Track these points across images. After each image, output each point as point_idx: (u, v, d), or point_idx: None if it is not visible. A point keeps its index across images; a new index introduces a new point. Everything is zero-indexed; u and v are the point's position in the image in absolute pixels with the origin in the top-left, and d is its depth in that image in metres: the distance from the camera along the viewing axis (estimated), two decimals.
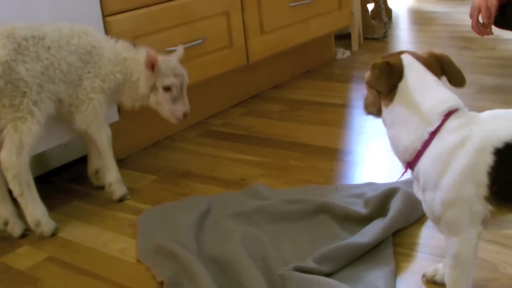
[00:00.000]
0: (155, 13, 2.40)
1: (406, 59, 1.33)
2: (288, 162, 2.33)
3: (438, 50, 1.37)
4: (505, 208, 1.24)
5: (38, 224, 1.92)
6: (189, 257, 1.66)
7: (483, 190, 1.23)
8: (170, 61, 2.09)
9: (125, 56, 2.06)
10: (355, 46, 3.95)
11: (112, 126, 2.13)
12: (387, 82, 1.30)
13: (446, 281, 1.35)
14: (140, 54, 2.07)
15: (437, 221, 1.30)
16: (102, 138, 2.07)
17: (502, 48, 3.62)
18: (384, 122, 1.37)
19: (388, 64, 1.29)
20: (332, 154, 2.36)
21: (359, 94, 3.07)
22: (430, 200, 1.28)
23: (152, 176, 2.32)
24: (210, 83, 2.84)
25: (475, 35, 2.95)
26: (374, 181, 2.05)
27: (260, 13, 2.97)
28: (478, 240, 1.29)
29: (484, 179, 1.22)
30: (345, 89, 3.19)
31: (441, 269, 1.51)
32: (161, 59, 2.06)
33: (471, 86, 2.94)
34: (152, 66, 2.02)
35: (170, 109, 2.09)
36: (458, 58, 3.44)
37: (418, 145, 1.28)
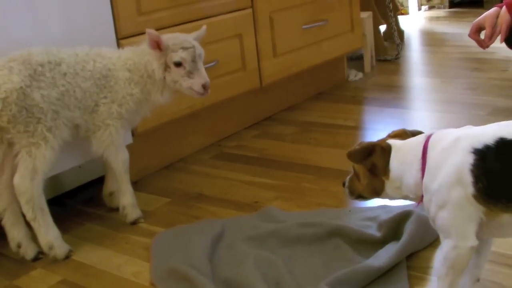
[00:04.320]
0: None
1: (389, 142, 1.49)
2: (301, 185, 2.33)
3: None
4: (495, 207, 1.29)
5: (51, 247, 1.92)
6: (202, 281, 1.66)
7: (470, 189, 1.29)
8: (178, 36, 2.03)
9: (134, 60, 2.04)
10: (367, 68, 3.96)
11: (126, 148, 2.13)
12: (387, 161, 1.47)
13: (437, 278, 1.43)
14: (145, 44, 2.03)
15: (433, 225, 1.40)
16: (118, 163, 2.08)
17: None
18: (391, 192, 1.50)
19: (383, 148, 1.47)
20: (345, 177, 2.34)
21: (371, 115, 3.08)
22: (427, 205, 1.39)
23: (165, 199, 2.33)
24: (223, 106, 2.86)
25: (487, 56, 2.95)
26: (387, 204, 2.05)
27: (273, 36, 2.98)
28: (471, 252, 1.34)
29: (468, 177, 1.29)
30: (357, 111, 3.19)
31: None
32: (168, 35, 2.02)
33: (483, 108, 2.93)
34: (156, 44, 1.98)
35: (188, 84, 2.01)
36: (470, 80, 3.48)
37: (420, 175, 1.40)
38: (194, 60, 2.00)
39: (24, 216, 1.91)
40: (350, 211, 2.05)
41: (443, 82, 3.54)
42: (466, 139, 1.32)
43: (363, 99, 3.39)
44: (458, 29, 4.94)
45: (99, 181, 2.38)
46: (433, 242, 1.80)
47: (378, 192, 1.52)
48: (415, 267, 1.71)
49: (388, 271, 1.66)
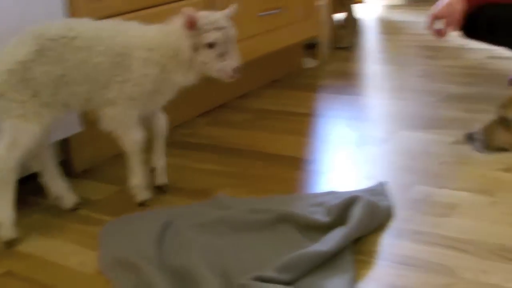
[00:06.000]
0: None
1: None
2: (252, 172, 2.33)
3: None
4: None
5: None
6: (150, 270, 1.65)
7: None
8: (210, 15, 1.94)
9: (159, 39, 1.96)
10: (323, 56, 3.96)
11: (76, 136, 2.10)
12: None
13: None
14: (175, 23, 1.96)
15: None
16: (128, 143, 2.04)
17: (466, 57, 3.66)
18: None
19: None
20: (296, 163, 2.36)
21: (325, 102, 3.10)
22: None
23: (115, 187, 2.29)
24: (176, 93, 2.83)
25: (441, 44, 2.97)
26: (336, 190, 2.06)
27: None
28: None
29: None
30: (311, 98, 3.20)
31: None
32: (200, 14, 1.93)
33: (436, 94, 2.96)
34: (192, 24, 1.90)
35: (219, 66, 1.94)
36: (424, 67, 3.52)
37: None
38: (226, 42, 1.94)
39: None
40: (299, 197, 2.05)
41: (397, 70, 3.57)
42: None
43: (317, 86, 3.39)
44: (415, 18, 4.97)
45: None
46: (380, 226, 1.82)
47: None
48: (362, 251, 1.72)
49: (334, 256, 1.67)
